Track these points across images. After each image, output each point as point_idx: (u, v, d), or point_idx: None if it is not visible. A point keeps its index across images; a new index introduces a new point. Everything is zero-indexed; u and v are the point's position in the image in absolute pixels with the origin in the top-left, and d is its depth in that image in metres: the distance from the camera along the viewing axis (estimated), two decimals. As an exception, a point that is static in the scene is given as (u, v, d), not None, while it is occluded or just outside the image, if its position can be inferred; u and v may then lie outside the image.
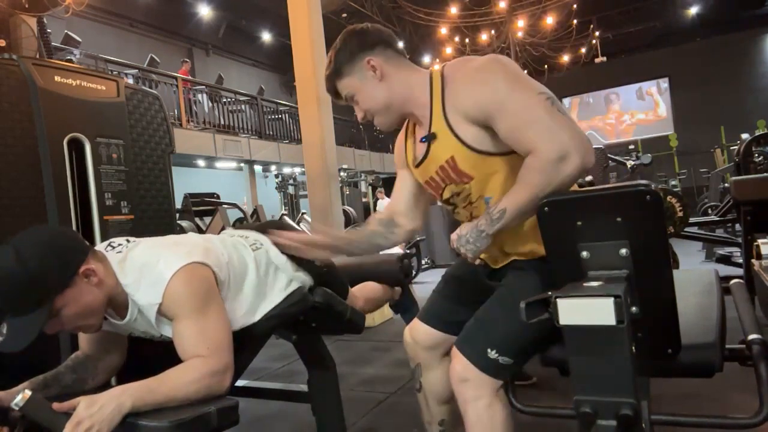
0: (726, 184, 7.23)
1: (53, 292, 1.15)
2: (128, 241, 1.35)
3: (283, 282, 1.54)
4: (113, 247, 1.33)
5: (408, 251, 2.01)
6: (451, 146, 1.27)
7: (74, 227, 1.99)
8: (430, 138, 1.31)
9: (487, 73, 1.21)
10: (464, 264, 1.52)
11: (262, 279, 1.48)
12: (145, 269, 1.25)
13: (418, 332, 1.50)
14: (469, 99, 1.23)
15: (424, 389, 1.51)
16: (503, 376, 1.23)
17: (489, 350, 1.20)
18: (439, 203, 1.44)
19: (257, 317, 1.44)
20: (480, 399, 1.22)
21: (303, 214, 9.11)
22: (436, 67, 1.37)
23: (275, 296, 1.49)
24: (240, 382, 1.87)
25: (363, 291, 1.84)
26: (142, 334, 1.34)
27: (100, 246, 1.37)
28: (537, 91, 1.16)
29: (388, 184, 14.17)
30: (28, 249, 1.14)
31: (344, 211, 7.02)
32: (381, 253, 1.79)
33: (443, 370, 1.46)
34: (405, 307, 2.12)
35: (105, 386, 1.40)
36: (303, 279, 1.57)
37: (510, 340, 1.21)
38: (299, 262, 1.57)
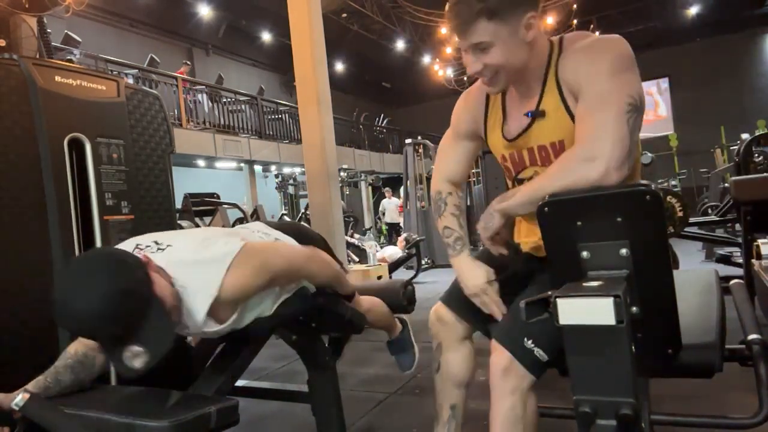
0: (726, 184, 7.23)
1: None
2: (156, 243, 1.32)
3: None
4: (147, 247, 1.31)
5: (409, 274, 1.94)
6: (564, 129, 1.20)
7: (74, 227, 1.98)
8: (536, 114, 1.24)
9: (598, 52, 1.16)
10: (485, 254, 1.51)
11: None
12: (198, 264, 1.25)
13: (442, 313, 1.53)
14: (572, 72, 1.17)
15: (442, 369, 1.54)
16: (536, 371, 1.21)
17: (525, 339, 1.20)
18: (508, 181, 1.39)
19: (269, 312, 1.45)
20: (515, 392, 1.20)
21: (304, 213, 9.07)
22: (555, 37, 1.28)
23: (283, 293, 1.50)
24: (240, 382, 1.87)
25: (372, 302, 1.83)
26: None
27: (128, 246, 1.34)
28: (628, 93, 1.09)
29: (388, 183, 14.16)
30: (104, 291, 1.10)
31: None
32: (384, 279, 1.76)
33: (463, 353, 1.51)
34: (401, 347, 1.96)
35: (103, 379, 1.41)
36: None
37: (546, 332, 1.17)
38: None
